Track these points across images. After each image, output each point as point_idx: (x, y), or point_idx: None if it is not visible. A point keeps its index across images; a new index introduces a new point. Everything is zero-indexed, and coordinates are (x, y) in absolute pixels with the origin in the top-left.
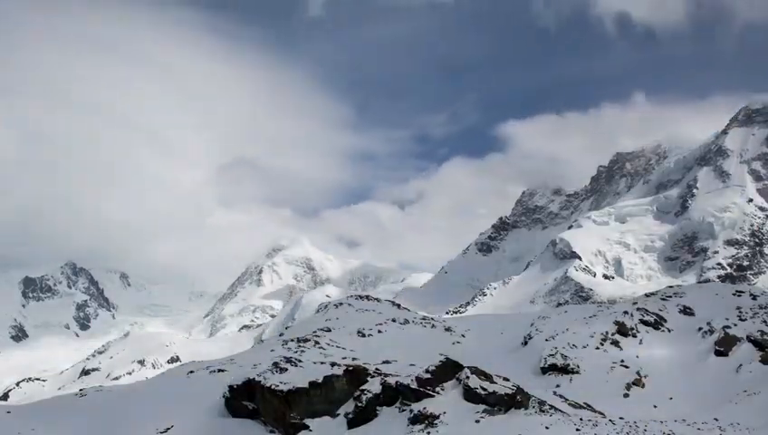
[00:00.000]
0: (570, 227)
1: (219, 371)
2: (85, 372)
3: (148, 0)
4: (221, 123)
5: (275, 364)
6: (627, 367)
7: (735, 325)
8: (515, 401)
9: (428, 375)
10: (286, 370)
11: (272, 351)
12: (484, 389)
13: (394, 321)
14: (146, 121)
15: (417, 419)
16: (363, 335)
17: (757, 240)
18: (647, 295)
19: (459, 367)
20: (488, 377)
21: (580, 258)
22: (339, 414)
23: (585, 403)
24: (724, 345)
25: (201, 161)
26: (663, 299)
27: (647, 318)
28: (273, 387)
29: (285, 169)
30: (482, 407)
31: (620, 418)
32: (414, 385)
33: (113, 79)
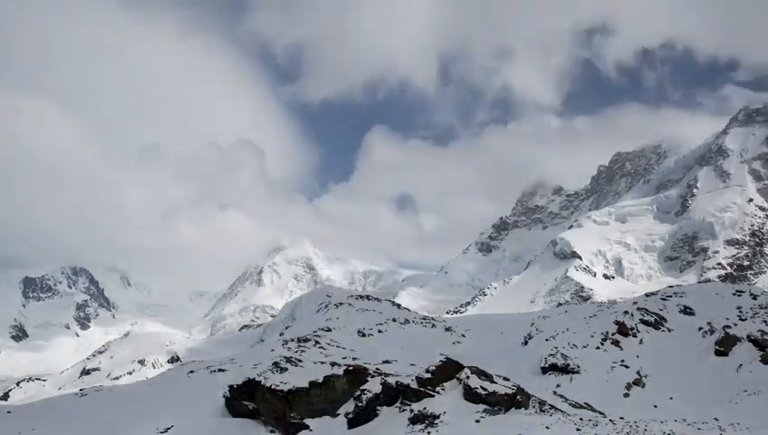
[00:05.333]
0: (570, 227)
1: (219, 371)
2: (85, 372)
3: None
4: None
5: (275, 364)
6: (627, 367)
7: (736, 325)
8: (515, 400)
9: (429, 375)
10: (286, 369)
11: (272, 351)
12: (485, 389)
13: (394, 321)
14: (146, 120)
15: (417, 418)
16: (363, 335)
17: (757, 240)
18: (647, 295)
19: (459, 367)
20: (488, 377)
21: (580, 258)
22: (339, 414)
23: (585, 403)
24: (725, 345)
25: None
26: (663, 299)
27: (647, 318)
28: (273, 387)
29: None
30: (482, 407)
31: (620, 418)
32: (414, 385)
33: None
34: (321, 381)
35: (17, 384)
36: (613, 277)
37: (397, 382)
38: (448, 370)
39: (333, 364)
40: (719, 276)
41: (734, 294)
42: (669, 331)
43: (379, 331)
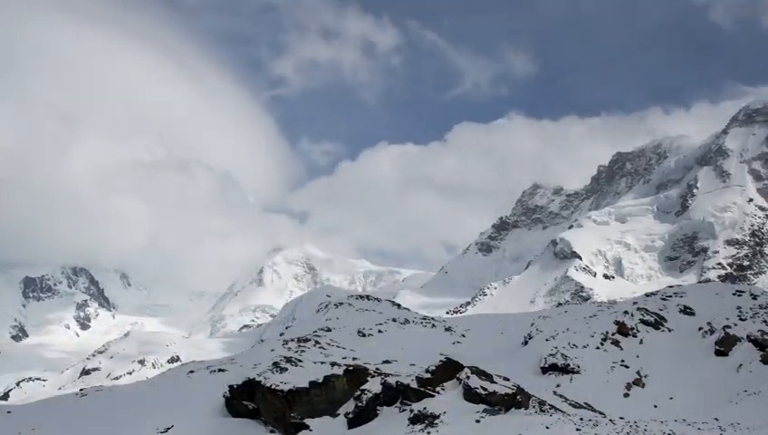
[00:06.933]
0: (570, 227)
1: (219, 371)
2: (85, 372)
3: None
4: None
5: (275, 364)
6: (627, 367)
7: (736, 325)
8: (515, 400)
9: (429, 375)
10: (286, 370)
11: (272, 350)
12: (485, 389)
13: (394, 321)
14: (148, 121)
15: (417, 418)
16: (363, 335)
17: (757, 240)
18: (647, 295)
19: (459, 367)
20: (488, 377)
21: (580, 258)
22: (339, 414)
23: (585, 403)
24: (725, 345)
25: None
26: (663, 299)
27: (647, 318)
28: (273, 387)
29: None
30: (482, 407)
31: (620, 418)
32: (414, 385)
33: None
34: (321, 381)
35: (17, 384)
36: (613, 277)
37: (397, 382)
38: (448, 370)
39: (333, 364)
40: (719, 276)
41: (734, 294)
42: (669, 331)
43: (379, 331)
